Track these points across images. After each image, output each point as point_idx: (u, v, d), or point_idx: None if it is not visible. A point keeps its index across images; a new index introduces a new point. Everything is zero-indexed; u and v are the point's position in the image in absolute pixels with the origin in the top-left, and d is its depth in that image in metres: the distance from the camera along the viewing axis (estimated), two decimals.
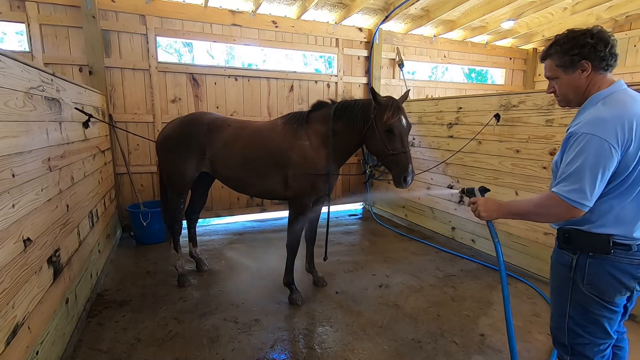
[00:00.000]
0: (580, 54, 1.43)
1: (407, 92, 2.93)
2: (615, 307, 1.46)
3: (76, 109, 2.80)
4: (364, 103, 2.79)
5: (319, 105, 3.00)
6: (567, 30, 1.50)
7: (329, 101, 2.98)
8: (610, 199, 1.40)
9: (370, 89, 2.71)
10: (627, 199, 1.39)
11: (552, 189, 1.44)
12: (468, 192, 1.93)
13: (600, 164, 1.32)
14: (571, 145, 1.39)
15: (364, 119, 2.73)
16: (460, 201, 4.26)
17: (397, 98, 2.73)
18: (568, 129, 1.46)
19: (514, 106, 3.54)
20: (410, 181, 2.60)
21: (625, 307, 1.54)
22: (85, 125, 3.06)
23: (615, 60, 1.44)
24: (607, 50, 1.41)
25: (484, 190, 1.88)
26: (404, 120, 2.63)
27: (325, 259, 3.25)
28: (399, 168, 2.61)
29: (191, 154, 3.18)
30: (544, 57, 1.56)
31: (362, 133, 2.75)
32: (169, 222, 3.52)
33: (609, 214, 1.41)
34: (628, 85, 1.48)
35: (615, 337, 1.53)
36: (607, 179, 1.35)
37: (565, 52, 1.46)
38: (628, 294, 1.45)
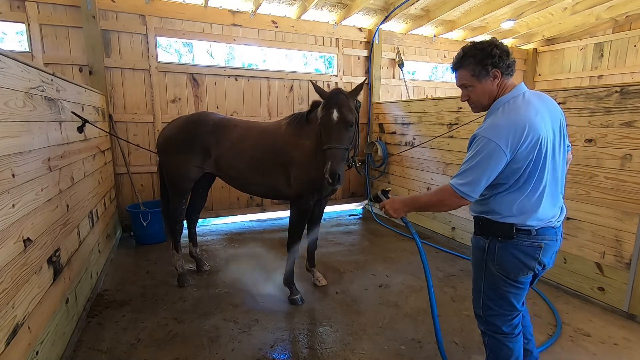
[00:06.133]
0: (492, 63, 1.63)
1: (362, 83, 2.72)
2: (519, 285, 1.70)
3: (73, 112, 2.76)
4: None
5: (315, 105, 2.98)
6: (473, 42, 1.70)
7: (322, 101, 2.96)
8: (511, 193, 1.62)
9: (310, 82, 2.59)
10: (524, 193, 1.60)
11: (450, 182, 1.65)
12: (375, 198, 2.09)
13: (490, 164, 1.54)
14: (472, 145, 1.61)
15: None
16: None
17: (350, 90, 2.62)
18: (475, 132, 1.65)
19: None
20: (334, 183, 2.43)
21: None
22: (80, 130, 2.91)
23: (514, 68, 1.68)
24: (510, 59, 1.64)
25: (386, 192, 2.04)
26: (334, 115, 2.48)
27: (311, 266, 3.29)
28: (325, 165, 2.46)
29: (195, 153, 3.18)
30: (458, 67, 1.73)
31: None
32: (169, 223, 3.52)
33: (511, 206, 1.62)
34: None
35: (523, 309, 1.80)
36: (495, 176, 1.57)
37: (478, 63, 1.64)
38: (531, 273, 1.68)
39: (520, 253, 1.64)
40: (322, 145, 2.53)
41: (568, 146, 1.78)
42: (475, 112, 1.81)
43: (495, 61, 1.62)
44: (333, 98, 2.54)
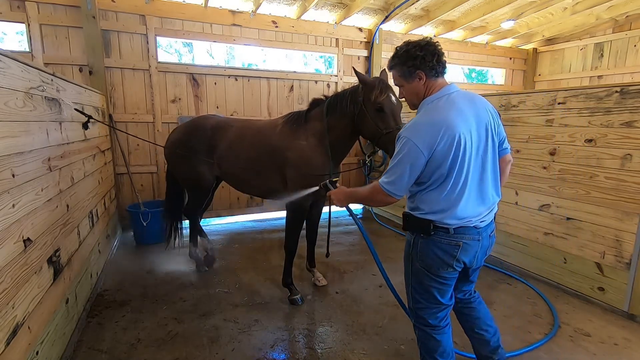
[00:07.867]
0: (414, 65, 1.65)
1: (384, 70, 2.67)
2: (441, 280, 1.74)
3: (76, 109, 2.79)
4: (351, 90, 2.73)
5: (315, 103, 2.98)
6: (405, 42, 1.72)
7: (323, 98, 2.95)
8: (432, 191, 1.65)
9: (352, 68, 2.66)
10: (444, 191, 1.62)
11: (379, 179, 1.71)
12: (324, 187, 2.28)
13: (409, 162, 1.58)
14: (396, 143, 1.65)
15: (353, 105, 2.67)
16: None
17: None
18: (400, 131, 1.70)
19: (514, 106, 3.54)
20: None
21: (466, 277, 1.89)
22: (85, 126, 3.05)
23: (444, 67, 1.69)
24: (435, 60, 1.64)
25: (333, 182, 2.26)
26: (393, 98, 2.56)
27: (327, 255, 3.26)
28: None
29: (201, 160, 3.24)
30: (390, 67, 1.79)
31: (354, 120, 2.69)
32: (188, 215, 3.67)
33: (431, 203, 1.66)
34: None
35: (450, 303, 1.84)
36: (417, 173, 1.61)
37: (403, 64, 1.69)
38: (450, 270, 1.71)
39: (439, 250, 1.68)
40: (381, 130, 2.54)
41: (505, 149, 1.80)
42: (411, 109, 1.84)
43: (417, 63, 1.64)
44: (384, 83, 2.58)
